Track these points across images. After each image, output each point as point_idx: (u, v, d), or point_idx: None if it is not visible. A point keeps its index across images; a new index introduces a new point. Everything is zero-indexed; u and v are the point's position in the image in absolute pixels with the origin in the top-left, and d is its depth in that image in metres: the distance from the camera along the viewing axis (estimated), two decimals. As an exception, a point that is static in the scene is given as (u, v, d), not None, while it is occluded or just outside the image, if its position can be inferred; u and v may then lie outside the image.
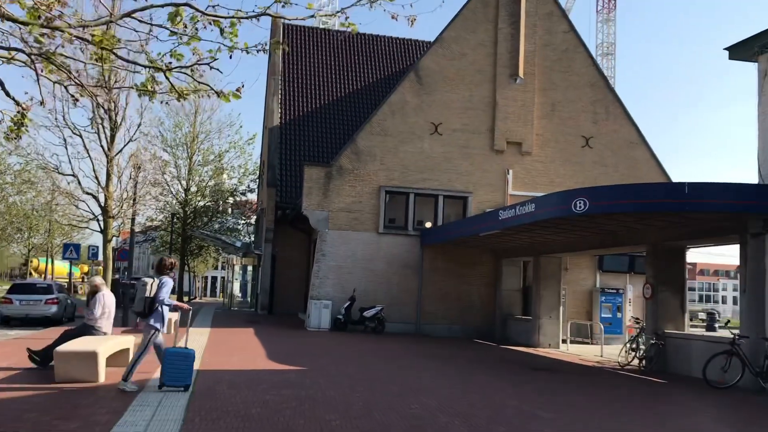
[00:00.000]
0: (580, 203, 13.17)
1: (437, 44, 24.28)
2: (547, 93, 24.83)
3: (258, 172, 40.51)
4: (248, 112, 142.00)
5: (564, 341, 20.96)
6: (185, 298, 50.41)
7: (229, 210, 46.10)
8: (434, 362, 14.56)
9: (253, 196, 42.85)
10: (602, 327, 19.68)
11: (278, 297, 29.09)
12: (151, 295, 9.27)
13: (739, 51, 13.07)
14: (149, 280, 9.49)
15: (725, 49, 13.31)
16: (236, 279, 44.58)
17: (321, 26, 38.67)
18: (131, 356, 11.87)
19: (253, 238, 42.07)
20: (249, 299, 37.71)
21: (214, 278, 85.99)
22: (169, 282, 9.39)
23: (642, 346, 15.71)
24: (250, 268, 38.44)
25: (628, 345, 16.22)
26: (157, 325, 9.27)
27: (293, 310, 28.93)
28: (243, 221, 47.78)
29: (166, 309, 9.35)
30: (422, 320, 22.96)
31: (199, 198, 40.45)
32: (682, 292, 15.39)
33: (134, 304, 9.64)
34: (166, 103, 7.39)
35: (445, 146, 23.83)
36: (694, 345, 14.22)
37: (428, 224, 23.67)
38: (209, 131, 39.24)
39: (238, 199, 42.72)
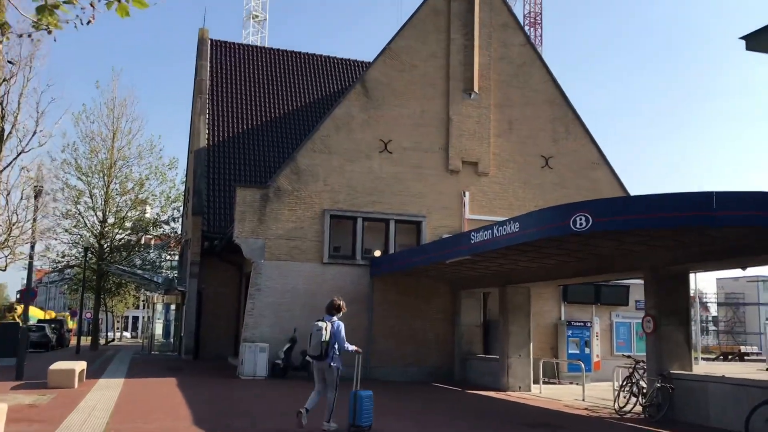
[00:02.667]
0: (580, 220, 10.82)
1: (385, 54, 21.93)
2: (504, 109, 22.82)
3: (183, 200, 36.98)
4: (171, 136, 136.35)
5: (536, 382, 18.53)
6: (102, 341, 45.92)
7: (152, 243, 42.08)
8: (407, 422, 11.83)
9: (177, 226, 39.12)
10: (583, 366, 17.35)
11: (205, 339, 25.73)
12: (327, 339, 9.87)
13: (759, 40, 11.12)
14: (322, 324, 10.04)
15: (741, 38, 11.37)
16: (158, 319, 40.55)
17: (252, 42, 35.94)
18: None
19: (176, 273, 38.24)
20: (172, 341, 33.88)
21: (135, 318, 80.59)
22: (342, 325, 10.18)
23: (643, 390, 13.38)
24: (173, 306, 34.68)
25: (626, 388, 13.82)
26: (339, 365, 10.03)
27: (223, 353, 25.55)
28: (167, 255, 43.82)
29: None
30: (373, 362, 20.11)
31: (117, 230, 36.45)
32: (687, 325, 13.19)
33: (310, 348, 10.13)
34: (29, 35, 4.62)
35: (396, 166, 21.37)
36: (711, 389, 11.94)
37: (377, 252, 21.05)
38: (128, 157, 35.50)
39: (160, 230, 38.86)
